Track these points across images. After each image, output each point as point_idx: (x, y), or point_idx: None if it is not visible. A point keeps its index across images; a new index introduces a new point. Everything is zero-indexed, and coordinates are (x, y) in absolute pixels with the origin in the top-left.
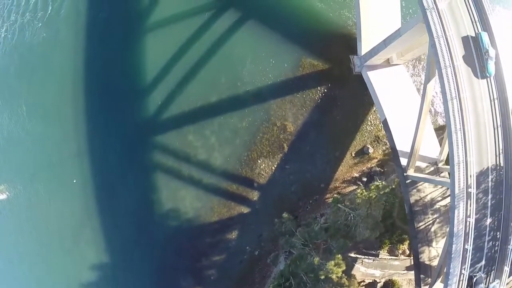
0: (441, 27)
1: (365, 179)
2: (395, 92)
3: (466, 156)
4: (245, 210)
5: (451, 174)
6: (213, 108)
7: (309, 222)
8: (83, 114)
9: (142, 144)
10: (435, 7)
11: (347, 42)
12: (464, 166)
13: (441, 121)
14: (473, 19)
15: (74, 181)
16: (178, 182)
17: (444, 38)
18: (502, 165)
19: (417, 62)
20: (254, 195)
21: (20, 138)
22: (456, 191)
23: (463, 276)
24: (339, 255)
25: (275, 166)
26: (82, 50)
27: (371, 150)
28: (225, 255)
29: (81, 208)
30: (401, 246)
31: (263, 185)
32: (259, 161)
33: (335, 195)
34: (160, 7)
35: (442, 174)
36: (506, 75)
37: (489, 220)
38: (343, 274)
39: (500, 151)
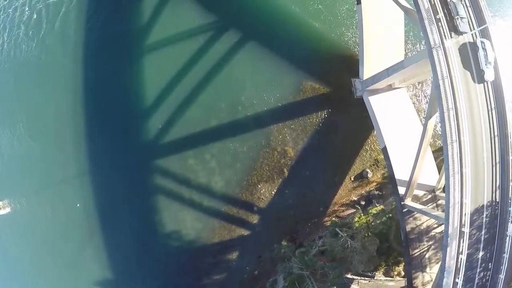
0: (447, 68)
1: (363, 203)
2: (396, 118)
3: (462, 197)
4: (245, 232)
5: (446, 215)
6: (213, 133)
7: (308, 249)
8: (84, 136)
9: (143, 167)
10: (441, 45)
11: (349, 64)
12: (459, 207)
13: (440, 143)
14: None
15: (78, 205)
16: (179, 204)
17: (449, 79)
18: (497, 200)
19: (418, 84)
20: (254, 218)
21: (23, 155)
22: (450, 230)
23: None
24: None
25: (275, 190)
26: (82, 70)
27: (370, 174)
28: (225, 274)
29: (84, 226)
30: (397, 268)
31: (263, 208)
32: (259, 186)
33: (333, 219)
34: (160, 28)
35: (439, 202)
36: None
37: (481, 253)
38: None
39: (497, 187)
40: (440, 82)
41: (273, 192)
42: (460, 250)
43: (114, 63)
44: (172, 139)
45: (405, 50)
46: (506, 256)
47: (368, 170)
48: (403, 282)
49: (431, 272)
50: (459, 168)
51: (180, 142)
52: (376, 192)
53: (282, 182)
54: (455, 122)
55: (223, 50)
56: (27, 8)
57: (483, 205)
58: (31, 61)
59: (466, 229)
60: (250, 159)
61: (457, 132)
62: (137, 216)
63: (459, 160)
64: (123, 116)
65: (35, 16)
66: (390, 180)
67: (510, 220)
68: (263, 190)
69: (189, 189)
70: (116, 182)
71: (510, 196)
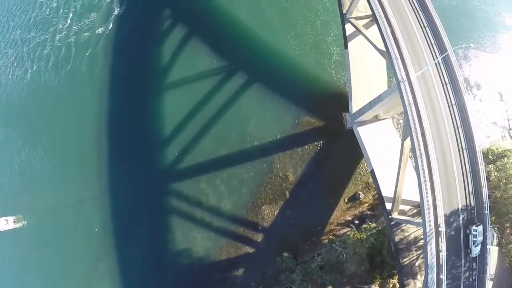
0: (413, 96)
1: (357, 222)
2: (381, 144)
3: (434, 201)
4: (250, 249)
5: (422, 217)
6: (223, 160)
7: (307, 260)
8: (104, 160)
9: (159, 190)
10: (407, 79)
11: (340, 100)
12: (433, 210)
13: None
14: (444, 86)
15: (96, 229)
16: (191, 224)
17: (415, 105)
18: (473, 205)
19: (401, 115)
20: (259, 237)
21: (40, 176)
22: (427, 230)
23: None
24: None
25: (277, 211)
26: (105, 101)
27: (362, 196)
28: None
29: (98, 243)
30: (391, 280)
31: (266, 228)
32: (263, 207)
33: (331, 237)
34: (178, 69)
35: None
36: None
37: (463, 253)
38: None
39: (470, 192)
40: (408, 108)
41: (275, 213)
42: (440, 248)
43: (136, 98)
44: (186, 165)
45: (388, 86)
46: (489, 256)
47: (360, 193)
48: None
49: (422, 279)
50: (429, 176)
51: (194, 169)
52: (369, 212)
53: (284, 204)
54: (423, 139)
55: (233, 90)
56: (56, 42)
57: (458, 209)
58: (56, 89)
59: (443, 229)
60: (255, 184)
61: (424, 147)
62: (151, 236)
63: (428, 170)
64: (143, 145)
65: (63, 52)
66: (378, 198)
67: (489, 225)
68: (267, 211)
69: (200, 210)
70: (133, 204)
71: (484, 200)
